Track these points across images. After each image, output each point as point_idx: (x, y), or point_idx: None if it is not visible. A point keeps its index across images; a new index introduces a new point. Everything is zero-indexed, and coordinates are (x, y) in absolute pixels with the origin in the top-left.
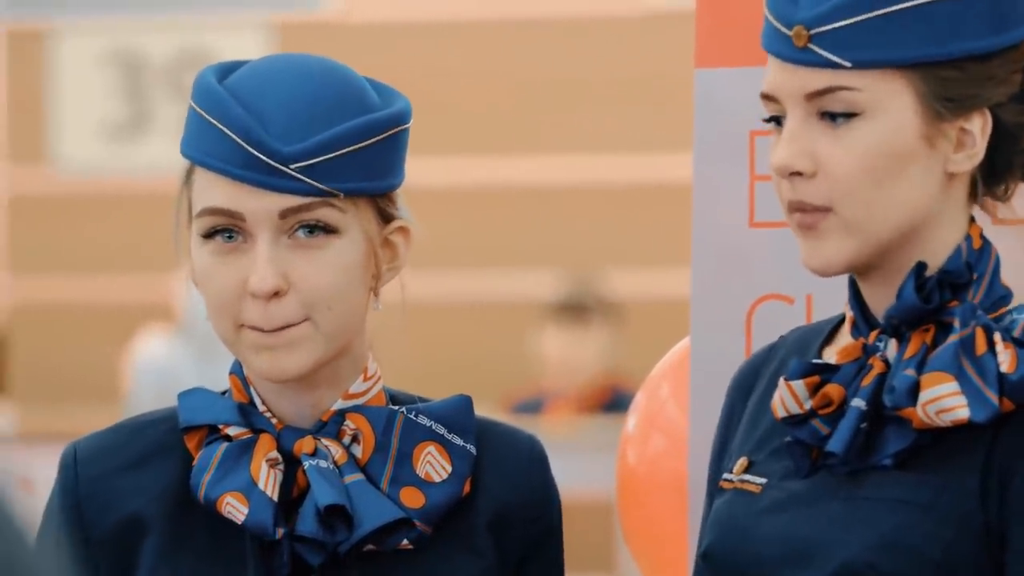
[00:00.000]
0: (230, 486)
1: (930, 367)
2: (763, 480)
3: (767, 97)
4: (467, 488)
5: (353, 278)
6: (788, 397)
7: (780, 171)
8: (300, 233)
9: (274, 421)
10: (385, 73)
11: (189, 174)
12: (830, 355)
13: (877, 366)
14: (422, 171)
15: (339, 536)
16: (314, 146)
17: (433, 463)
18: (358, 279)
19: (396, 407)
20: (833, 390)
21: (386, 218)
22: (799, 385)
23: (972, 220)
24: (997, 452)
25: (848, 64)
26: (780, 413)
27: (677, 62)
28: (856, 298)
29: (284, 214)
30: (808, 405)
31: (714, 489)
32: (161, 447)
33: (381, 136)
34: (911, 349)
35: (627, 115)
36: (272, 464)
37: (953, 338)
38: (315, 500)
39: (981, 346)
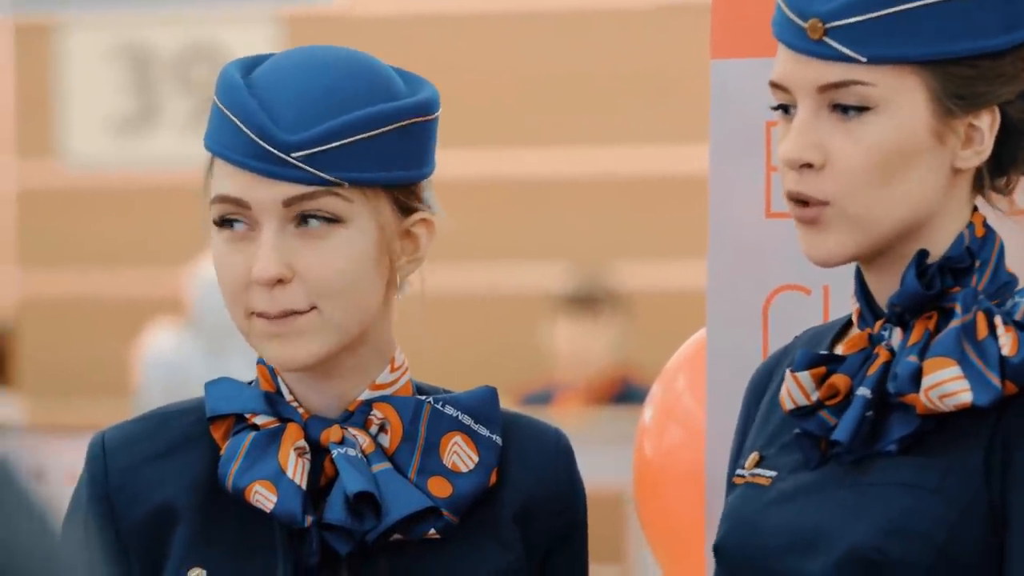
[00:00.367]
0: (258, 475)
1: (932, 353)
2: (773, 473)
3: (776, 86)
4: (493, 478)
5: (362, 268)
6: (795, 389)
7: (790, 163)
8: (307, 222)
9: (301, 411)
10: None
11: (210, 165)
12: (841, 348)
13: (882, 355)
14: None
15: (367, 524)
16: (317, 135)
17: (460, 453)
18: (368, 269)
19: (423, 397)
20: (839, 380)
21: (407, 210)
22: (805, 377)
23: (975, 209)
24: (1000, 433)
25: (863, 59)
26: (788, 405)
27: (684, 54)
28: (862, 289)
29: (288, 203)
30: (815, 396)
31: (731, 488)
32: (188, 437)
33: (392, 126)
34: (914, 336)
35: (634, 107)
36: (300, 453)
37: (955, 323)
38: (344, 488)
39: (982, 330)
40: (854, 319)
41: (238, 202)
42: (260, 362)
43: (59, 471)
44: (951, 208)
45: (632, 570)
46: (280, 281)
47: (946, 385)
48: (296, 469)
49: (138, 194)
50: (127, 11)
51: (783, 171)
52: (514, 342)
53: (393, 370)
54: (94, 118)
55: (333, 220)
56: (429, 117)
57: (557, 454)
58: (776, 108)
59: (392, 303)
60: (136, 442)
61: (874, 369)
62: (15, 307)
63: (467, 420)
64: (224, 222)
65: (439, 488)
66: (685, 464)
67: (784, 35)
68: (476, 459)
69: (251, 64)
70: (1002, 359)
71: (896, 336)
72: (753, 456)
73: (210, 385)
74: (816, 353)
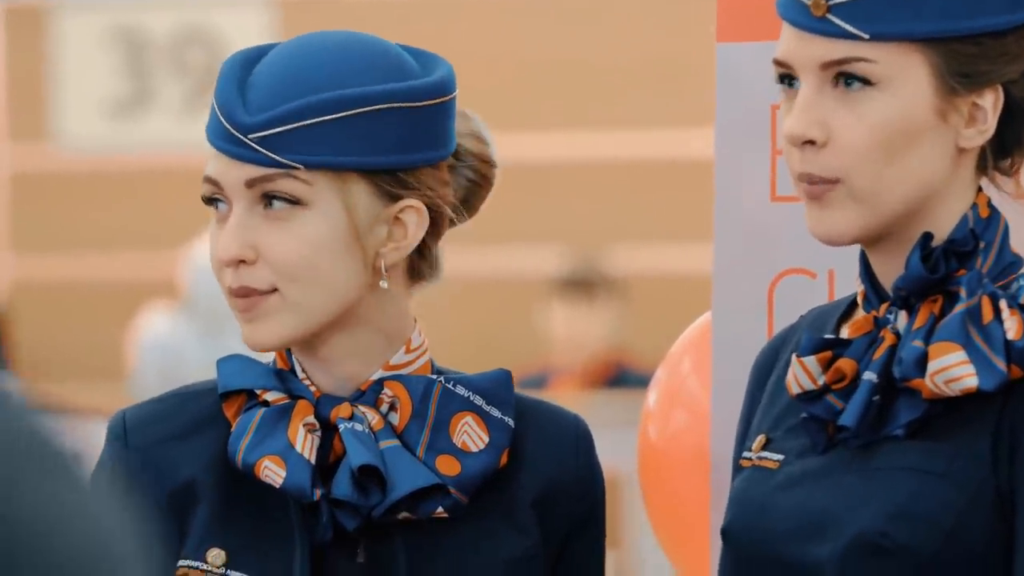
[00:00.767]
0: (268, 450)
1: (937, 337)
2: (780, 457)
3: (780, 64)
4: (504, 460)
5: (325, 251)
6: (801, 374)
7: (793, 140)
8: (272, 204)
9: (313, 389)
10: None
11: None
12: (846, 331)
13: (888, 338)
14: None
15: (373, 499)
16: (272, 118)
17: (470, 433)
18: (334, 253)
19: (435, 376)
20: (846, 364)
21: (392, 196)
22: (811, 361)
23: (980, 190)
24: (1007, 418)
25: (866, 36)
26: (794, 390)
27: (688, 37)
28: (866, 271)
29: (250, 184)
30: (821, 381)
31: (737, 470)
32: (207, 418)
33: (361, 110)
34: (919, 320)
35: (629, 92)
36: (309, 429)
37: (960, 307)
38: (350, 462)
39: (987, 314)
40: (859, 300)
41: (212, 181)
42: None
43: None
44: (955, 188)
45: (629, 554)
46: (244, 261)
47: (952, 370)
48: (305, 444)
49: (132, 178)
50: None
51: (787, 149)
52: (510, 325)
53: (409, 351)
54: (88, 101)
55: (295, 202)
56: (418, 104)
57: (577, 439)
58: (780, 80)
59: (401, 287)
60: (156, 422)
61: (880, 353)
62: (9, 291)
63: (479, 401)
64: (210, 202)
65: (447, 466)
66: (690, 448)
67: (788, 12)
68: (487, 439)
69: (267, 49)
70: (1007, 343)
71: (901, 319)
72: (760, 439)
73: (222, 362)
74: (821, 337)
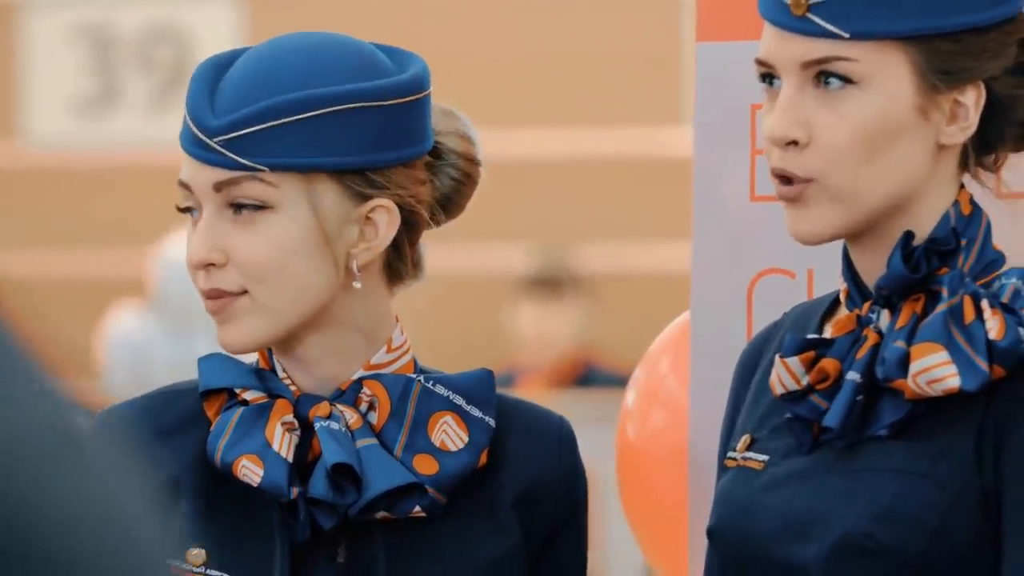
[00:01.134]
0: (245, 449)
1: (920, 337)
2: (765, 457)
3: (761, 63)
4: (484, 459)
5: (294, 254)
6: (785, 374)
7: (775, 141)
8: (241, 207)
9: (293, 388)
10: None
11: None
12: (829, 329)
13: (871, 338)
14: None
15: (349, 498)
16: (236, 120)
17: (449, 432)
18: (304, 255)
19: (414, 376)
20: (829, 364)
21: (361, 195)
22: (794, 362)
23: (962, 187)
24: (990, 418)
25: (846, 35)
26: (778, 390)
27: (668, 36)
28: (849, 269)
29: (217, 187)
30: (805, 381)
31: (722, 470)
32: (191, 416)
33: (327, 110)
34: (902, 319)
35: (600, 90)
36: (288, 428)
37: (941, 307)
38: (325, 461)
39: (969, 314)
40: (842, 298)
41: (184, 185)
42: None
43: None
44: (937, 185)
45: (602, 551)
46: (213, 264)
47: (934, 371)
48: (283, 443)
49: (100, 175)
50: None
51: (768, 148)
52: (477, 324)
53: (390, 351)
54: (56, 99)
55: (258, 206)
56: (387, 102)
57: (560, 440)
58: (762, 80)
59: (379, 287)
60: (141, 419)
61: (863, 352)
62: None
63: (459, 400)
64: (186, 211)
65: (425, 466)
66: (668, 447)
67: (769, 12)
68: (466, 439)
69: (240, 52)
70: (989, 343)
71: (884, 318)
72: (745, 439)
73: (203, 361)
74: (804, 338)
